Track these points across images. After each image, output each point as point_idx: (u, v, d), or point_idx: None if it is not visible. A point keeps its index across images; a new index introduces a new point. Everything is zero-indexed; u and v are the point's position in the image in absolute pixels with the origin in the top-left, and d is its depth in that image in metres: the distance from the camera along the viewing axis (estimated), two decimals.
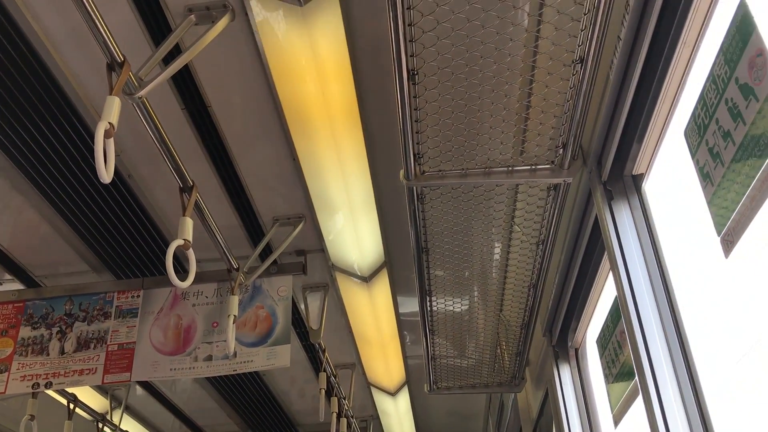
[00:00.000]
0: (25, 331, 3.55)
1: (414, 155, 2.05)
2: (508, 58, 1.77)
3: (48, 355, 3.49)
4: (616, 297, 2.36)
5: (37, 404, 3.95)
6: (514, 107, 1.95)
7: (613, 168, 2.06)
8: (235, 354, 3.43)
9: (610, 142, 2.01)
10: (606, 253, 2.14)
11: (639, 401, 2.02)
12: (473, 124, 2.00)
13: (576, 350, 3.06)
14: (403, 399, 5.82)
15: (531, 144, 2.08)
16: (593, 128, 2.08)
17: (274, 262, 3.66)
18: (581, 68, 1.74)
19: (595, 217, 2.24)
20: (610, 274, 2.22)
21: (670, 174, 1.90)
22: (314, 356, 4.91)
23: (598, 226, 2.20)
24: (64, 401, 4.44)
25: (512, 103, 1.94)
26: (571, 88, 1.84)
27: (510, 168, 2.13)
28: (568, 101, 1.87)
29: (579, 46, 1.70)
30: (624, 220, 2.06)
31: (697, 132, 1.55)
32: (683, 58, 1.64)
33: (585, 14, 1.62)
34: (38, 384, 3.43)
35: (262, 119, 2.96)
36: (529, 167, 2.13)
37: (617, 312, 2.38)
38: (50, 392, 4.34)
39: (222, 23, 2.34)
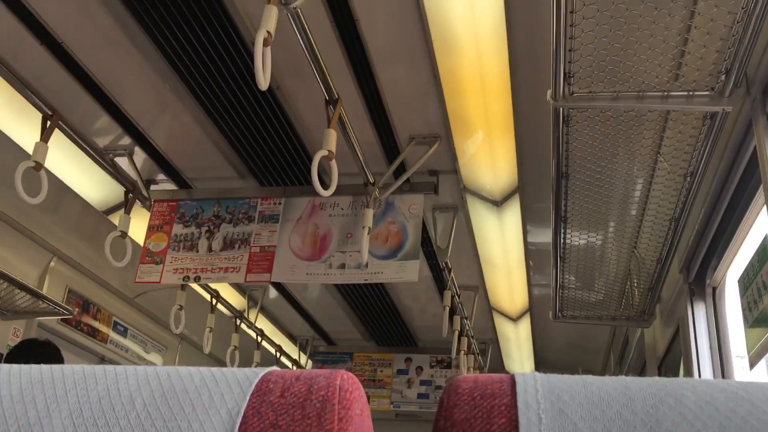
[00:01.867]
0: (177, 228, 3.86)
1: (564, 74, 2.00)
2: None
3: (197, 251, 3.78)
4: (766, 235, 2.25)
5: (185, 296, 4.32)
6: (677, 27, 1.85)
7: None
8: (366, 265, 3.57)
9: None
10: (762, 187, 2.02)
11: None
12: (630, 43, 1.92)
13: (714, 289, 2.96)
14: (524, 326, 5.85)
15: (690, 68, 1.98)
16: (762, 55, 1.94)
17: (407, 180, 3.73)
18: None
19: (753, 150, 2.11)
20: (763, 210, 2.11)
21: None
22: (439, 276, 5.01)
23: (755, 160, 2.08)
24: (207, 296, 4.82)
25: (675, 23, 1.84)
26: (742, 9, 1.72)
27: (665, 93, 2.04)
28: (738, 23, 1.76)
29: None
30: None
31: None
32: None
33: None
34: (188, 277, 3.74)
35: (408, 35, 2.97)
36: (686, 93, 2.03)
37: (765, 251, 2.27)
38: (196, 287, 4.72)
39: None
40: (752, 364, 2.43)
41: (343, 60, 3.15)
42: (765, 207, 2.03)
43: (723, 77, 1.95)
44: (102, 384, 0.71)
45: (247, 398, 0.69)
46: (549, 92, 2.08)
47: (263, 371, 0.74)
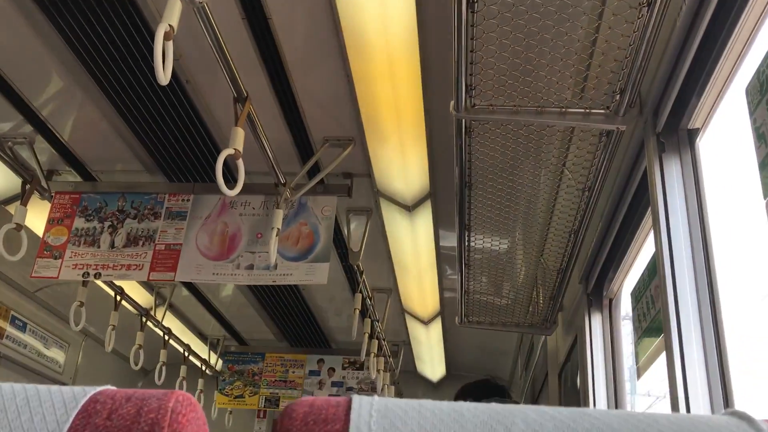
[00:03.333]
0: (79, 222, 3.71)
1: (466, 86, 2.02)
2: None
3: (99, 247, 3.65)
4: (655, 252, 2.34)
5: (86, 293, 4.16)
6: (575, 46, 1.90)
7: (668, 120, 2.00)
8: (275, 266, 3.53)
9: (669, 93, 1.95)
10: (650, 206, 2.10)
11: (663, 358, 2.02)
12: (530, 60, 1.96)
13: (610, 300, 3.06)
14: (436, 329, 5.92)
15: (588, 86, 2.03)
16: (654, 76, 2.01)
17: (321, 181, 3.71)
18: (648, 11, 1.68)
19: (645, 169, 2.19)
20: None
21: (726, 131, 1.84)
22: (353, 277, 5.01)
23: (646, 178, 2.16)
24: (111, 293, 4.67)
25: (573, 42, 1.89)
26: (635, 32, 1.78)
27: (563, 109, 2.09)
28: (631, 45, 1.81)
29: None
30: (673, 174, 2.02)
31: (759, 89, 1.49)
32: (757, 10, 1.56)
33: None
34: (88, 273, 3.60)
35: (321, 36, 2.95)
36: (583, 110, 2.08)
37: (654, 266, 2.36)
38: (100, 283, 4.56)
39: None
40: (639, 375, 2.52)
41: (256, 58, 3.10)
42: (652, 225, 2.10)
43: (618, 97, 2.01)
44: None
45: (70, 420, 0.66)
46: (452, 103, 2.10)
47: (94, 390, 0.70)
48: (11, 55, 3.12)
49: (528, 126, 2.24)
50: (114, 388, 0.72)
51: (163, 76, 2.04)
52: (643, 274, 2.51)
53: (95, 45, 2.95)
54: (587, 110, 2.10)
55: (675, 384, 1.80)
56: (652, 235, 2.38)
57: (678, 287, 1.89)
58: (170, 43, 2.08)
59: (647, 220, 2.42)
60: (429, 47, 2.87)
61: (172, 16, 2.05)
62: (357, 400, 0.67)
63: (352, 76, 3.05)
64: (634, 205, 2.46)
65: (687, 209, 1.98)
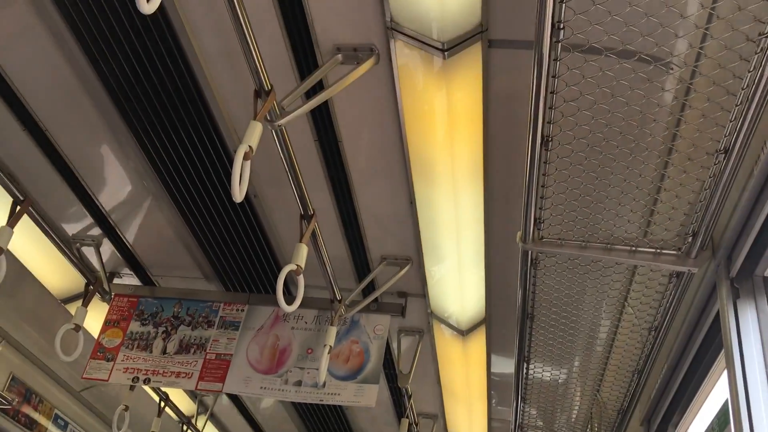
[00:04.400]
0: (134, 326, 3.75)
1: (535, 219, 2.03)
2: (649, 138, 1.73)
3: (151, 352, 3.65)
4: (727, 399, 2.22)
5: (132, 396, 4.14)
6: (647, 187, 1.90)
7: (744, 265, 1.96)
8: (324, 384, 3.47)
9: (744, 239, 1.91)
10: (723, 351, 2.02)
11: None
12: (601, 197, 1.97)
13: None
14: None
15: (659, 227, 2.02)
16: (728, 221, 1.99)
17: (375, 299, 3.69)
18: (724, 159, 1.68)
19: (717, 313, 2.12)
20: (724, 374, 2.10)
21: None
22: (399, 400, 4.88)
23: (718, 322, 2.09)
24: (156, 398, 4.63)
25: (645, 183, 1.89)
26: (710, 178, 1.77)
27: (633, 248, 2.06)
28: (705, 190, 1.81)
29: (725, 137, 1.64)
30: (748, 321, 1.95)
31: None
32: None
33: (737, 105, 1.56)
34: (138, 378, 3.60)
35: (388, 159, 3.02)
36: (653, 250, 2.06)
37: (725, 416, 2.24)
38: (146, 387, 4.54)
39: (366, 65, 2.42)
40: None
41: (323, 175, 3.19)
42: (726, 371, 2.02)
43: (690, 239, 1.99)
44: None
45: None
46: (519, 234, 2.10)
47: None
48: (88, 160, 3.27)
49: (596, 261, 2.22)
50: None
51: (239, 194, 2.10)
52: (712, 423, 2.38)
53: (170, 154, 3.08)
54: (657, 250, 2.07)
55: None
56: (722, 379, 2.28)
57: None
58: (248, 163, 2.15)
59: (718, 363, 2.33)
60: (494, 175, 2.91)
61: (253, 138, 2.13)
62: None
63: (414, 198, 3.10)
64: (703, 348, 2.37)
65: (765, 358, 1.89)
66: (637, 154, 1.79)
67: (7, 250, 2.97)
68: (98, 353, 3.70)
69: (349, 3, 2.36)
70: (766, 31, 1.42)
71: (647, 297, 2.36)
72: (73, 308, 3.85)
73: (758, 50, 1.45)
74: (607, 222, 2.03)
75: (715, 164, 1.71)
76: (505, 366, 4.37)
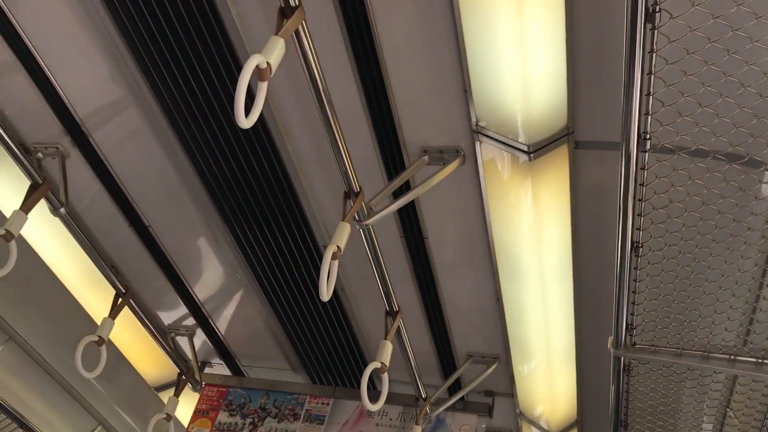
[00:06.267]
0: (222, 416, 3.80)
1: (627, 325, 1.97)
2: (743, 246, 1.67)
3: None
4: None
5: None
6: (744, 295, 1.82)
7: None
8: None
9: None
10: None
11: None
12: (695, 303, 1.90)
13: None
14: None
15: (759, 336, 1.92)
16: None
17: (461, 398, 3.61)
18: None
19: None
20: None
21: None
22: None
23: None
24: None
25: (742, 291, 1.82)
26: None
27: (732, 356, 1.96)
28: None
29: None
30: None
31: None
32: None
33: None
34: None
35: (473, 256, 3.02)
36: (755, 359, 1.95)
37: None
38: None
39: (452, 166, 2.47)
40: None
41: (408, 271, 3.21)
42: None
43: None
44: None
45: None
46: (610, 339, 2.04)
47: None
48: (186, 253, 3.42)
49: (693, 369, 2.11)
50: None
51: (326, 294, 2.14)
52: None
53: (264, 250, 3.20)
54: (759, 359, 1.96)
55: None
56: None
57: None
58: (336, 262, 2.20)
59: None
60: (583, 276, 2.85)
61: (341, 238, 2.19)
62: None
63: (501, 295, 3.07)
64: None
65: None
66: (732, 261, 1.73)
67: (108, 339, 3.11)
68: None
69: (435, 106, 2.44)
70: None
71: (753, 401, 2.22)
72: (165, 396, 3.95)
73: None
74: (704, 329, 1.94)
75: None
76: None
